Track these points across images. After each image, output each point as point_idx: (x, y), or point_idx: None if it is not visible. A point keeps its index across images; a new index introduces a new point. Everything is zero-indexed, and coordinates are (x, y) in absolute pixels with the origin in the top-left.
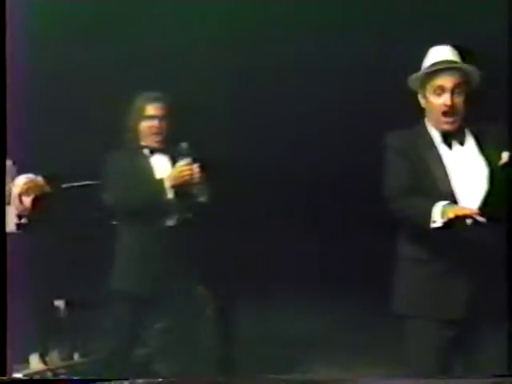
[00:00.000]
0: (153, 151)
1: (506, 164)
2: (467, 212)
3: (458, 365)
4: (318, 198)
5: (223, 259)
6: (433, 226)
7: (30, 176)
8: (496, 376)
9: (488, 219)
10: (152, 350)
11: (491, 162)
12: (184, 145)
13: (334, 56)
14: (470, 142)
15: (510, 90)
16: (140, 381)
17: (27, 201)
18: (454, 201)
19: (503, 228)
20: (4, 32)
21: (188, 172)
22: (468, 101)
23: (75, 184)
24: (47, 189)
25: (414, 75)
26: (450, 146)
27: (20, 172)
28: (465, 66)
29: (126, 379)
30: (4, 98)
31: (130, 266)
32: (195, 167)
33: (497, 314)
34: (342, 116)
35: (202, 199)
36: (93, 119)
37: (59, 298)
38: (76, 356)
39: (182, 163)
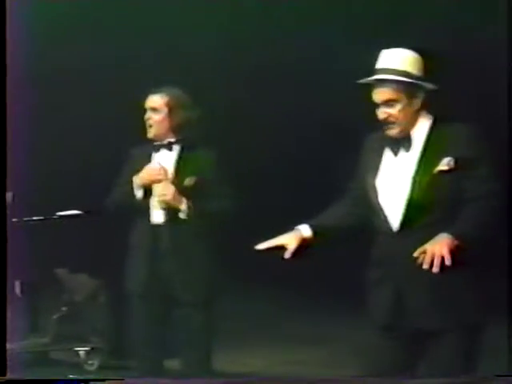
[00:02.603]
0: (159, 147)
1: (446, 170)
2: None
3: None
4: None
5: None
6: None
7: None
8: (496, 376)
9: None
10: (52, 339)
11: (429, 168)
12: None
13: None
14: (417, 148)
15: (509, 90)
16: (138, 381)
17: None
18: (379, 206)
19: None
20: (4, 32)
21: (156, 173)
22: (408, 109)
23: None
24: None
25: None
26: (395, 152)
27: None
28: (395, 77)
29: (123, 379)
30: (4, 99)
31: (127, 264)
32: (165, 170)
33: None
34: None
35: (181, 216)
36: (94, 119)
37: None
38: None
39: (153, 165)
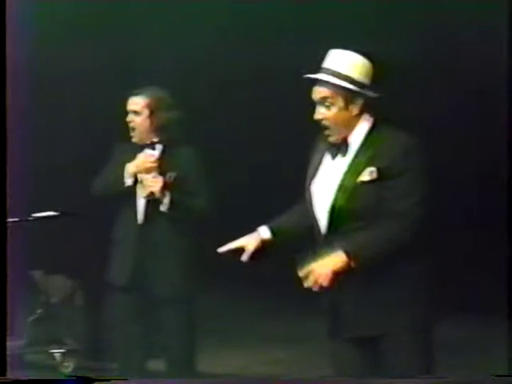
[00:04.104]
0: (143, 147)
1: (368, 181)
2: None
3: None
4: None
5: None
6: None
7: None
8: (496, 376)
9: None
10: (27, 342)
11: (354, 176)
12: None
13: None
14: (350, 154)
15: (509, 90)
16: (140, 381)
17: None
18: (312, 209)
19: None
20: (4, 32)
21: (149, 161)
22: (345, 113)
23: None
24: None
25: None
26: (333, 156)
27: None
28: (333, 79)
29: (126, 379)
30: (4, 98)
31: (111, 259)
32: (156, 159)
33: None
34: None
35: (162, 209)
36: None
37: None
38: None
39: (148, 153)
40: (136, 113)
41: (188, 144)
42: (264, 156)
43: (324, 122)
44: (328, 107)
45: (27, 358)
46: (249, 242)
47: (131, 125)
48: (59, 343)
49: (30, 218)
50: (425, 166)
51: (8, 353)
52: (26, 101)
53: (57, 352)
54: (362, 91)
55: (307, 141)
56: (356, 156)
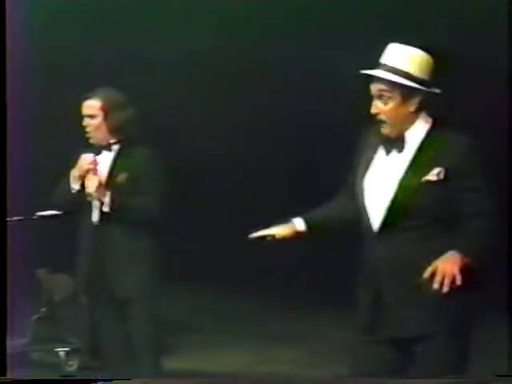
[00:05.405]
0: (100, 149)
1: (434, 181)
2: None
3: None
4: None
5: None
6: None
7: None
8: (497, 376)
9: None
10: (31, 340)
11: (417, 175)
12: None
13: None
14: (409, 151)
15: (510, 90)
16: (141, 381)
17: None
18: (364, 204)
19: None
20: (4, 32)
21: (87, 162)
22: (402, 108)
23: None
24: None
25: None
26: (387, 152)
27: None
28: (391, 76)
29: (128, 379)
30: (4, 98)
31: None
32: (95, 161)
33: None
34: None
35: (105, 209)
36: None
37: None
38: None
39: (88, 155)
40: (91, 116)
41: (145, 144)
42: (222, 156)
43: (380, 117)
44: (385, 102)
45: (31, 357)
46: (282, 232)
47: (88, 129)
48: (63, 342)
49: (34, 217)
50: (491, 167)
51: (12, 352)
52: (25, 100)
53: (61, 351)
54: (421, 87)
55: (261, 140)
56: (417, 154)
